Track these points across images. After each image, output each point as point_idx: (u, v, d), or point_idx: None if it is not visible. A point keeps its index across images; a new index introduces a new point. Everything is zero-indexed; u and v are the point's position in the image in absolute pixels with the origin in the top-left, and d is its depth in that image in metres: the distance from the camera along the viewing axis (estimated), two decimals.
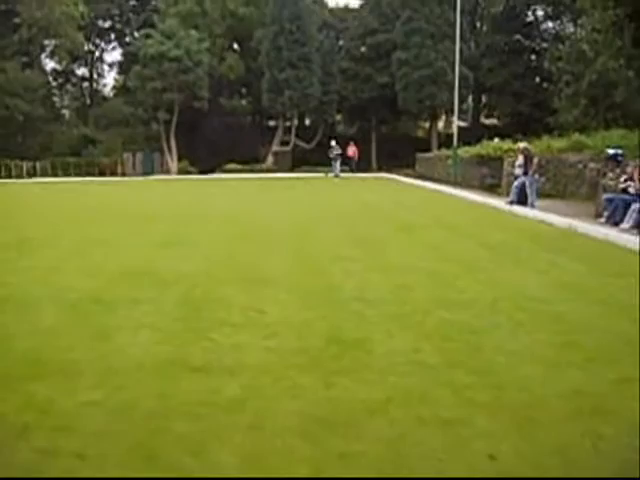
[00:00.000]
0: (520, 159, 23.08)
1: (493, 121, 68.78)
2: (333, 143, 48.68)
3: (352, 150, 51.93)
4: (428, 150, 54.86)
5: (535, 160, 22.36)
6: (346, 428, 4.84)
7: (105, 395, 5.42)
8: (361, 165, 53.70)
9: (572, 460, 4.44)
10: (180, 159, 57.68)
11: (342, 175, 47.61)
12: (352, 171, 50.62)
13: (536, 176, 22.47)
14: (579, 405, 5.24)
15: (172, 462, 4.35)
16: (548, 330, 7.32)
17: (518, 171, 23.07)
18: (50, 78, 67.36)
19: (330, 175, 48.11)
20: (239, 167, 55.18)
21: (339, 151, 48.40)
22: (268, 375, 5.83)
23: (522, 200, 22.00)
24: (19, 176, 49.70)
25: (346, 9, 69.85)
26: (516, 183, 22.76)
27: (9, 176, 49.26)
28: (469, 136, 47.01)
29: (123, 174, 53.14)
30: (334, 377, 5.79)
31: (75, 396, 5.41)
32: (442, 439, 4.70)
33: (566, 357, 6.39)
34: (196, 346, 6.60)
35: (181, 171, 55.80)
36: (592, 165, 22.75)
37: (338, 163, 48.36)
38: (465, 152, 36.26)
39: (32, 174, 50.91)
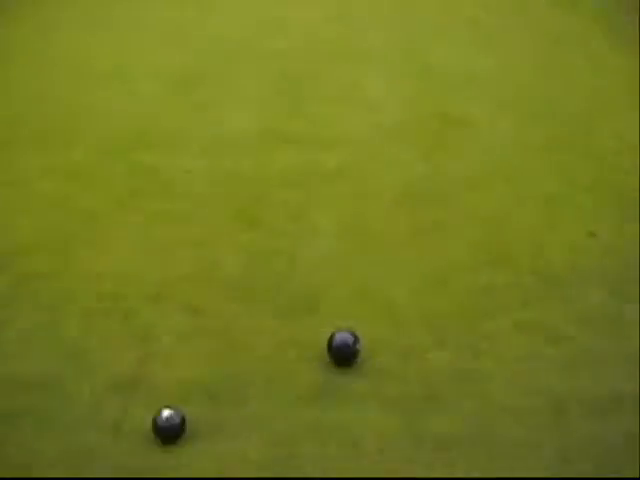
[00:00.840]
0: None
1: None
2: None
3: None
4: None
5: None
6: (445, 201, 4.81)
7: (208, 163, 5.54)
8: None
9: None
10: None
11: None
12: None
13: None
14: None
15: (274, 226, 4.49)
16: None
17: None
18: None
19: None
20: None
21: None
22: (367, 147, 5.76)
23: None
24: None
25: None
26: None
27: None
28: None
29: None
30: (435, 152, 5.67)
31: (179, 163, 5.55)
32: (542, 216, 4.63)
33: None
34: (297, 119, 6.53)
35: None
36: None
37: None
38: None
39: None
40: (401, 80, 8.13)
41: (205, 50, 10.18)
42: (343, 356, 3.12)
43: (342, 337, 3.13)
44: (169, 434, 2.85)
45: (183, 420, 2.86)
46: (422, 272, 3.90)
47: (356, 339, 3.13)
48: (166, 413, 2.85)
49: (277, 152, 5.76)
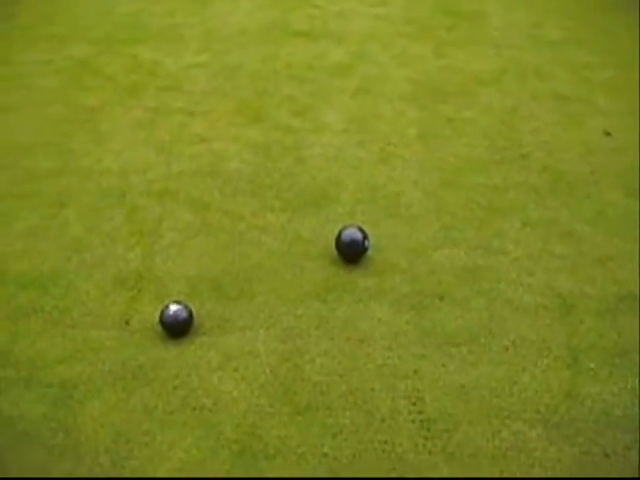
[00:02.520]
0: None
1: None
2: None
3: None
4: None
5: None
6: (456, 96, 4.66)
7: (210, 58, 5.34)
8: None
9: None
10: None
11: None
12: None
13: None
14: None
15: (278, 121, 4.36)
16: None
17: None
18: None
19: None
20: None
21: None
22: (376, 42, 5.54)
23: None
24: None
25: None
26: None
27: None
28: None
29: None
30: (446, 47, 5.45)
31: (180, 59, 5.35)
32: (556, 115, 4.48)
33: None
34: (301, 11, 6.26)
35: None
36: None
37: None
38: None
39: None
40: None
41: None
42: (352, 253, 3.07)
43: (350, 234, 3.07)
44: (177, 328, 2.83)
45: (190, 314, 2.85)
46: (433, 169, 3.80)
47: (365, 236, 3.07)
48: (174, 307, 2.83)
49: (282, 46, 5.55)
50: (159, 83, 4.96)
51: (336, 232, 3.13)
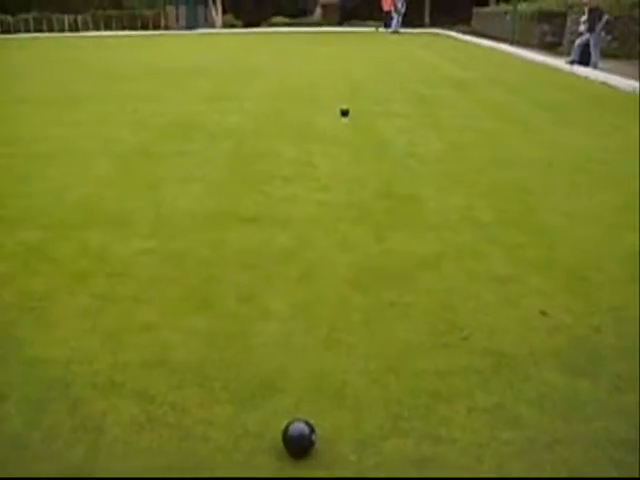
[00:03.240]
0: (586, 14, 21.57)
1: None
2: None
3: (389, 3, 44.26)
4: (486, 4, 51.71)
5: (604, 18, 20.81)
6: (397, 280, 4.85)
7: (158, 244, 5.50)
8: (413, 20, 50.75)
9: (627, 319, 4.39)
10: (224, 12, 55.71)
11: (401, 30, 42.14)
12: (386, 26, 44.70)
13: (602, 34, 21.06)
14: (636, 268, 5.13)
15: (225, 309, 4.43)
16: (607, 192, 7.10)
17: (582, 28, 21.61)
18: None
19: (381, 30, 45.25)
20: (285, 20, 53.13)
21: (402, 4, 42.29)
22: (319, 227, 5.82)
23: (584, 60, 20.78)
24: (61, 30, 48.68)
25: None
26: (579, 41, 21.40)
27: (51, 29, 48.31)
28: None
29: (166, 27, 51.62)
30: (386, 231, 5.75)
31: (129, 244, 5.50)
32: (494, 295, 4.68)
33: (625, 220, 6.22)
34: (247, 198, 6.59)
35: (225, 24, 53.96)
36: None
37: (398, 17, 42.73)
38: (527, 7, 34.08)
39: (74, 28, 49.76)
40: (352, 160, 8.32)
41: (155, 127, 10.26)
42: (299, 448, 3.03)
43: (297, 428, 3.04)
44: None
45: None
46: (378, 356, 3.86)
47: (311, 430, 3.05)
48: None
49: (229, 232, 5.77)
50: (107, 269, 5.04)
51: (284, 425, 3.10)
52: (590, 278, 5.01)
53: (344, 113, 10.39)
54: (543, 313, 4.44)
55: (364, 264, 5.12)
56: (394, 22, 43.55)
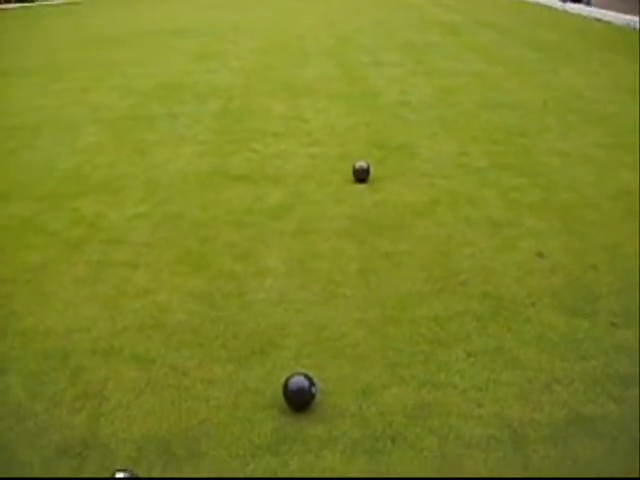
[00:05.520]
0: None
1: None
2: None
3: None
4: None
5: None
6: (393, 230, 4.83)
7: (151, 207, 5.46)
8: None
9: (621, 256, 4.39)
10: None
11: None
12: None
13: None
14: (630, 205, 5.11)
15: (221, 268, 4.42)
16: (599, 131, 7.05)
17: None
18: None
19: None
20: None
21: None
22: (312, 181, 5.78)
23: None
24: None
25: None
26: None
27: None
28: None
29: None
30: (379, 182, 5.71)
31: (122, 210, 5.46)
32: (490, 239, 4.67)
33: (617, 158, 6.18)
34: (238, 156, 6.52)
35: None
36: None
37: None
38: None
39: None
40: (342, 112, 8.22)
41: (143, 91, 10.11)
42: (299, 401, 3.05)
43: (297, 382, 3.05)
44: None
45: None
46: (375, 305, 3.86)
47: (311, 382, 3.05)
48: (120, 475, 2.72)
49: (222, 191, 5.72)
50: (102, 236, 5.01)
51: (283, 380, 3.11)
52: (585, 217, 4.99)
53: (361, 179, 5.78)
54: (540, 254, 4.43)
55: (358, 216, 5.09)
56: None
